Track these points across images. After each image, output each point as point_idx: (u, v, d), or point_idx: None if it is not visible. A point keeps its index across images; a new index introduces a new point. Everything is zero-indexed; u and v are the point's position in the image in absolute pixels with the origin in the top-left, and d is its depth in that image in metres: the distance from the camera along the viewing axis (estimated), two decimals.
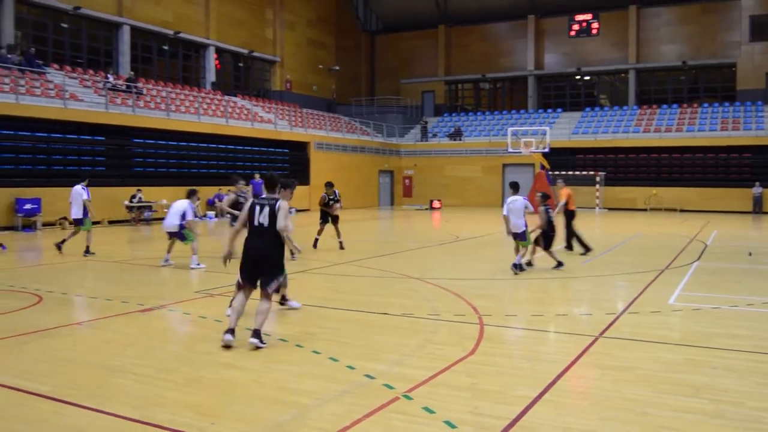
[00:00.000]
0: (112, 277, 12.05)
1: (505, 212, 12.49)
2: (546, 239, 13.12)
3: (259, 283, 7.07)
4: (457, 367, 6.20)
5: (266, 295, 7.02)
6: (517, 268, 12.31)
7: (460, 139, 43.59)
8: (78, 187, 14.87)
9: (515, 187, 12.85)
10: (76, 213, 14.87)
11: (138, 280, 11.81)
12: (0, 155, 22.43)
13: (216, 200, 27.71)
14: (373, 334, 7.60)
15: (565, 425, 4.78)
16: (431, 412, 4.97)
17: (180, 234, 13.02)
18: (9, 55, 26.61)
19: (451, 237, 20.48)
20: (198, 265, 12.79)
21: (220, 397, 5.34)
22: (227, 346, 6.76)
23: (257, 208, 7.07)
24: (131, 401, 5.23)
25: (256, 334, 6.79)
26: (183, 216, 12.90)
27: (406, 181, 44.58)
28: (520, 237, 12.50)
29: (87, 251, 14.72)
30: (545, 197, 13.27)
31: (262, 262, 7.03)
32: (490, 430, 4.64)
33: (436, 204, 39.31)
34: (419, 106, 50.72)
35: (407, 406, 5.12)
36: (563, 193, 15.66)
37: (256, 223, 7.04)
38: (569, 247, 15.79)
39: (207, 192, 27.60)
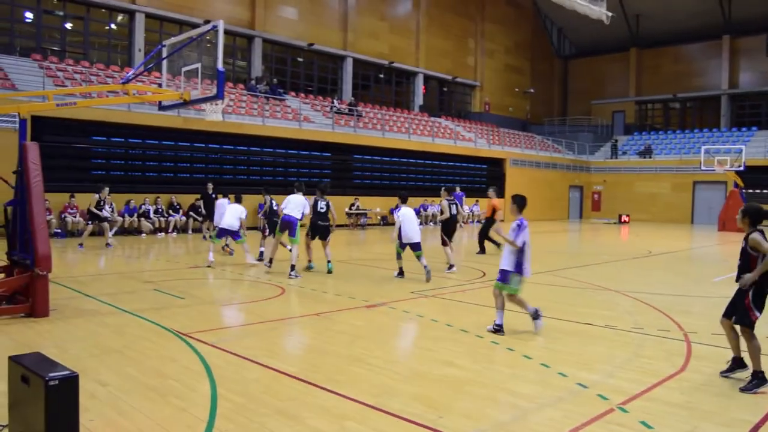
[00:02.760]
0: (338, 275, 12.54)
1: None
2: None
3: None
4: (669, 383, 5.68)
5: None
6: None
7: (649, 157, 40.88)
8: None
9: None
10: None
11: (360, 278, 12.21)
12: (249, 168, 24.54)
13: (421, 210, 28.17)
14: (580, 343, 7.22)
15: None
16: (649, 427, 4.57)
17: (237, 234, 13.31)
18: (257, 85, 29.01)
19: (644, 251, 19.16)
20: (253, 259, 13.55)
21: (445, 392, 5.30)
22: None
23: None
24: (367, 388, 5.34)
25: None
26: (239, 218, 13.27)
27: (595, 195, 42.60)
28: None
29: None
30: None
31: None
32: None
33: (624, 218, 37.12)
34: (609, 125, 48.33)
35: (624, 418, 4.76)
36: (496, 203, 15.88)
37: None
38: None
39: (415, 202, 28.13)
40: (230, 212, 13.24)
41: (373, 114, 32.96)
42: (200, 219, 20.74)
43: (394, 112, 35.26)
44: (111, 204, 17.52)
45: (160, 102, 11.14)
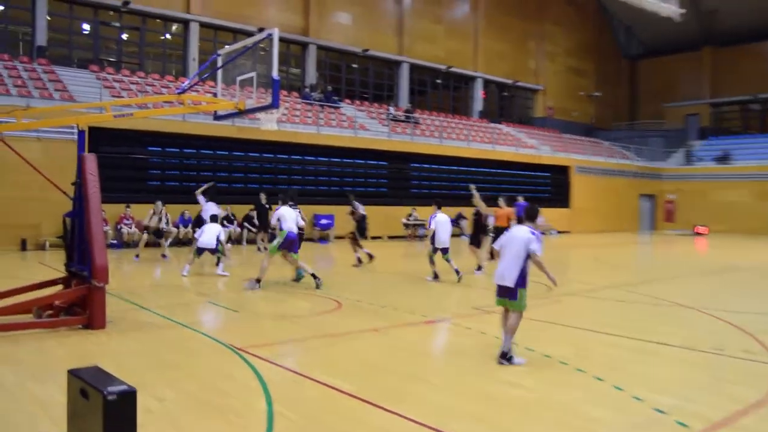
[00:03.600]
0: (395, 288, 12.55)
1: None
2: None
3: None
4: (757, 411, 5.43)
5: None
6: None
7: (727, 163, 39.50)
8: None
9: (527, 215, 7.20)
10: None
11: (418, 291, 12.18)
12: (304, 177, 24.88)
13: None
14: (654, 364, 6.99)
15: None
16: None
17: (215, 249, 13.62)
18: (312, 93, 29.41)
19: (723, 265, 18.48)
20: (224, 272, 13.61)
21: (511, 415, 5.20)
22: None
23: None
24: (428, 408, 5.28)
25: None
26: (219, 236, 13.64)
27: (668, 205, 41.37)
28: (507, 294, 6.89)
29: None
30: None
31: None
32: None
33: (701, 229, 35.88)
34: (682, 129, 46.91)
35: None
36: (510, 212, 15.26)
37: None
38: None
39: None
40: (208, 232, 13.65)
41: (430, 121, 32.95)
42: (254, 230, 21.05)
43: (453, 119, 35.17)
44: (166, 215, 17.94)
45: (215, 112, 11.39)
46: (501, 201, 16.66)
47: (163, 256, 16.84)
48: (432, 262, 13.34)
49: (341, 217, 23.55)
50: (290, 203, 12.46)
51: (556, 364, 6.78)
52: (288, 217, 11.93)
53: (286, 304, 10.65)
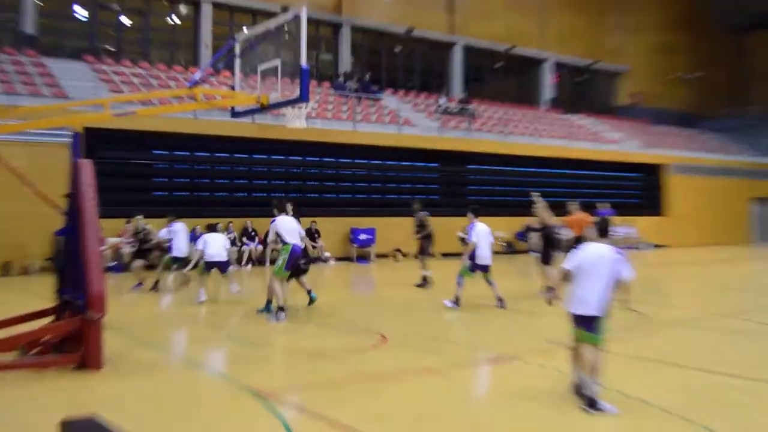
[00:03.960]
0: (451, 318, 12.40)
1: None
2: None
3: None
4: None
5: None
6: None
7: None
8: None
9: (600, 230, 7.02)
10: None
11: (478, 322, 12.04)
12: (338, 184, 24.97)
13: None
14: None
15: None
16: None
17: (227, 263, 13.98)
18: (346, 83, 29.55)
19: None
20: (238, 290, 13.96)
21: None
22: None
23: None
24: None
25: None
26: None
27: None
28: (584, 324, 6.67)
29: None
30: None
31: None
32: None
33: None
34: None
35: None
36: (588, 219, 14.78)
37: None
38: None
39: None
40: (214, 243, 13.74)
41: (490, 113, 32.79)
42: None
43: (517, 110, 34.98)
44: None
45: (232, 108, 11.46)
46: (572, 206, 16.45)
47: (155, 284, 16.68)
48: (460, 283, 12.92)
49: (383, 230, 23.54)
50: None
51: (657, 413, 6.55)
52: (290, 228, 11.82)
53: (319, 339, 10.60)
